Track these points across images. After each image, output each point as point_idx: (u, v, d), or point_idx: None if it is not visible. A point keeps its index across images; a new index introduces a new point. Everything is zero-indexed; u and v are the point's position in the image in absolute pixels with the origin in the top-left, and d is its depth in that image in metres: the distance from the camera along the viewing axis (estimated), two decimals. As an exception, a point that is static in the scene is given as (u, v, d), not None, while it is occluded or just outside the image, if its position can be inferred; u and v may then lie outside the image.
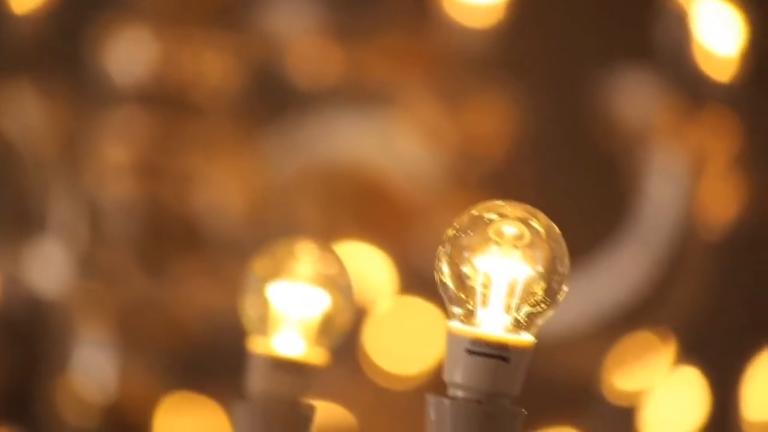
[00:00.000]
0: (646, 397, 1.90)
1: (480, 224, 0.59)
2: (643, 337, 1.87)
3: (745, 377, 1.87)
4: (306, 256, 0.77)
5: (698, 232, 1.81)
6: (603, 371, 1.87)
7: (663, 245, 1.83)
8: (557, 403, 1.93)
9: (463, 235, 0.59)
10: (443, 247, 0.59)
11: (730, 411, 1.89)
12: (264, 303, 0.76)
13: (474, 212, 0.59)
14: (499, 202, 0.59)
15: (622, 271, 1.87)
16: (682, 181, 1.76)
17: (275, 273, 0.76)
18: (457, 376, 0.58)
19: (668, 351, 1.88)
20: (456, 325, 0.59)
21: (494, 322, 0.59)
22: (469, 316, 0.59)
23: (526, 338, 0.59)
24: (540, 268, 0.58)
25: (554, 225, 0.59)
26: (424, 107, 1.67)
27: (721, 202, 1.78)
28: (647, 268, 1.84)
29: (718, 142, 1.73)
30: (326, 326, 0.77)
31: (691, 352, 1.91)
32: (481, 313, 0.59)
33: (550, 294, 0.59)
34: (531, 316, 0.59)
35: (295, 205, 1.66)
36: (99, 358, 1.59)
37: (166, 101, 1.60)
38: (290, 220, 1.65)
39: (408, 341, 1.70)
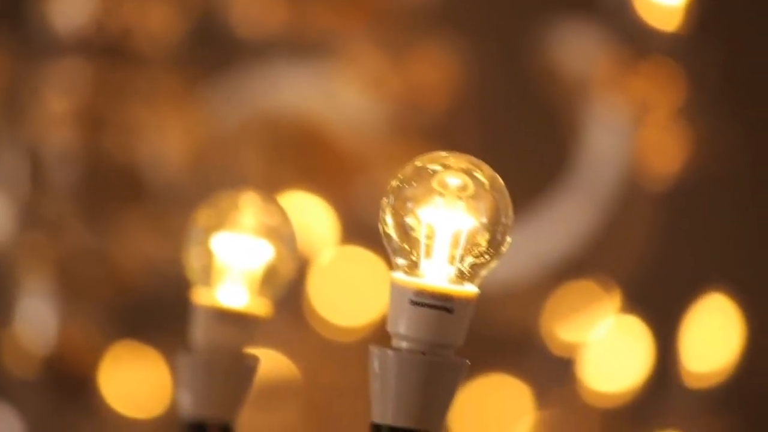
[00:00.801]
0: (588, 347, 1.92)
1: (424, 175, 0.58)
2: (586, 287, 1.88)
3: (686, 327, 1.89)
4: (249, 207, 0.77)
5: (641, 183, 1.83)
6: (546, 321, 1.89)
7: (606, 196, 1.85)
8: (499, 353, 1.94)
9: (407, 186, 0.59)
10: (387, 198, 0.59)
11: (672, 361, 1.91)
12: (207, 254, 0.76)
13: (417, 163, 0.59)
14: (443, 153, 0.59)
15: (566, 221, 1.88)
16: (624, 131, 1.77)
17: (219, 224, 0.76)
18: (401, 327, 0.58)
19: (611, 301, 1.90)
20: (400, 276, 0.59)
21: (438, 273, 0.59)
22: (413, 267, 0.59)
23: (470, 289, 0.59)
24: (484, 219, 0.58)
25: (498, 176, 0.60)
26: (367, 58, 1.67)
27: (665, 152, 1.79)
28: (590, 218, 1.85)
29: (661, 93, 1.73)
30: (270, 277, 0.77)
31: (635, 302, 1.93)
32: (425, 264, 0.59)
33: (494, 245, 0.59)
34: (475, 267, 0.59)
35: (238, 155, 1.65)
36: (42, 309, 1.58)
37: (108, 51, 1.58)
38: (234, 170, 1.65)
39: (352, 292, 1.71)
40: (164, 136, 1.59)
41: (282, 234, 0.77)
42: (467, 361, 0.59)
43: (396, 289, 0.59)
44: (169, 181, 1.59)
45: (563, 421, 1.93)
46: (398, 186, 0.59)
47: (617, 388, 1.94)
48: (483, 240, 0.58)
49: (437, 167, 0.58)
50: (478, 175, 0.58)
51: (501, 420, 1.93)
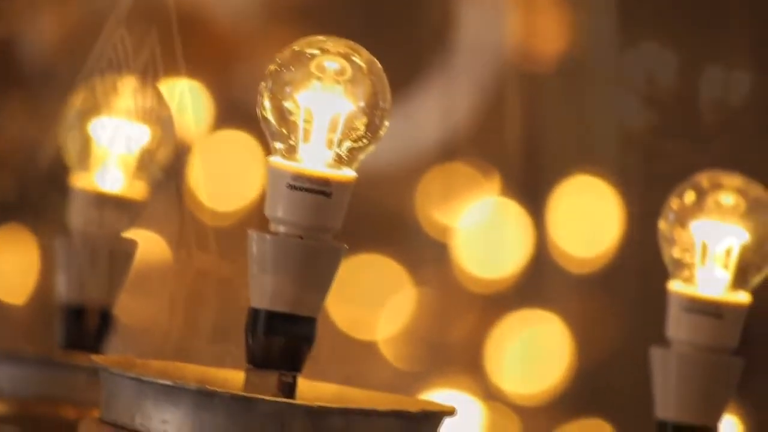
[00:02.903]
0: (464, 230, 1.95)
1: (302, 59, 0.58)
2: (463, 171, 1.90)
3: (563, 211, 1.92)
4: (126, 91, 0.76)
5: (520, 66, 1.84)
6: (422, 205, 1.90)
7: (484, 79, 1.86)
8: (376, 236, 1.96)
9: (285, 71, 0.58)
10: (265, 82, 0.59)
11: (548, 244, 1.95)
12: (85, 138, 0.75)
13: (296, 47, 0.58)
14: (321, 38, 0.59)
15: (444, 105, 1.89)
16: (502, 14, 1.78)
17: (96, 108, 0.75)
18: (278, 211, 0.58)
19: (489, 185, 1.92)
20: (277, 161, 0.59)
21: (316, 158, 0.59)
22: (291, 151, 0.59)
23: (348, 173, 0.59)
24: (362, 103, 0.58)
25: (376, 60, 0.60)
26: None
27: (544, 35, 1.81)
28: (468, 102, 1.86)
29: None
30: (147, 161, 0.77)
31: (513, 186, 1.96)
32: (303, 148, 0.59)
33: (372, 129, 0.59)
34: (353, 151, 0.59)
35: (116, 39, 1.62)
36: None
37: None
38: (111, 54, 1.61)
39: (230, 176, 1.70)
40: (39, 17, 1.56)
41: (159, 118, 0.77)
42: (345, 245, 0.59)
43: (274, 174, 0.59)
44: (44, 64, 1.55)
45: (439, 301, 1.96)
46: (276, 70, 0.58)
47: (494, 271, 1.97)
48: (361, 124, 0.58)
49: (315, 51, 0.58)
50: (356, 59, 0.58)
51: (376, 297, 1.95)
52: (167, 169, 0.78)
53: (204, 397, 0.54)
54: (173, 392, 0.55)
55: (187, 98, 1.65)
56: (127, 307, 0.89)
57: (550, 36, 1.78)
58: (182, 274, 1.70)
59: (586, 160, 2.05)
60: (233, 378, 0.60)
